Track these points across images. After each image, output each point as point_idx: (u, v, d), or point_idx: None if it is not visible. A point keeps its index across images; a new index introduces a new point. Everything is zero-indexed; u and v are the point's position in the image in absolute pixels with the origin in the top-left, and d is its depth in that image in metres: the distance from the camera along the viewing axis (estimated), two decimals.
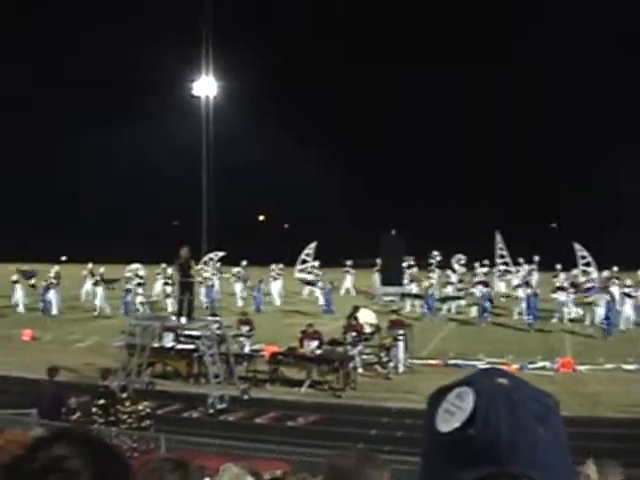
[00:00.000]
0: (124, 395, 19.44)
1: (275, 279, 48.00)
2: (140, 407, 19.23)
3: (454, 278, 46.21)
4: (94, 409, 18.77)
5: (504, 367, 27.11)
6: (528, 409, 1.56)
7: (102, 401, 18.79)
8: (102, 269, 45.63)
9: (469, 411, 1.54)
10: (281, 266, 49.17)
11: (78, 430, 2.00)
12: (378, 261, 50.55)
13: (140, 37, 76.60)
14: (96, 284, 44.03)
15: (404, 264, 49.40)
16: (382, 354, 28.00)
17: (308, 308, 43.68)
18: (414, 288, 45.14)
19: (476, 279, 44.81)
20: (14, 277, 45.76)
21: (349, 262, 52.83)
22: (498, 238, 50.49)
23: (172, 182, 75.35)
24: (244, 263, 49.03)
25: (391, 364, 27.76)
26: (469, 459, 1.51)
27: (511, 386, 1.59)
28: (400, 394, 24.63)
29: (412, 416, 21.49)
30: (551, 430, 1.57)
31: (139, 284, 44.13)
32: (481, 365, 27.97)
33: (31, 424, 15.96)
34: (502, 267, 50.11)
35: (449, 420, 1.56)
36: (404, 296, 44.39)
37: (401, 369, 27.91)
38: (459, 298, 43.59)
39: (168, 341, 26.77)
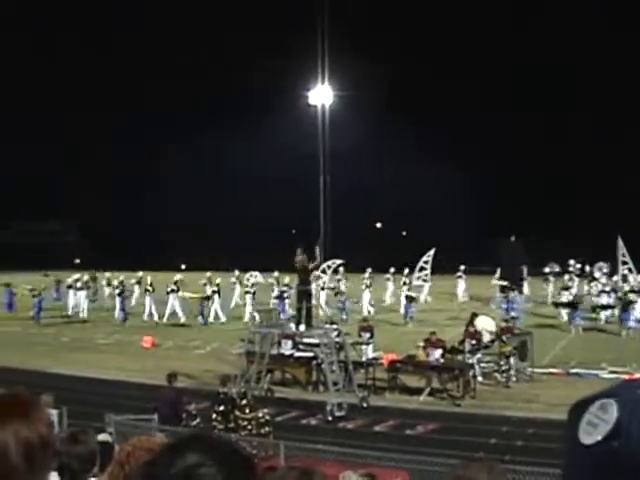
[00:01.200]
0: (244, 402, 19.60)
1: (367, 287, 47.97)
2: (259, 414, 19.37)
3: (608, 287, 44.95)
4: (214, 415, 19.02)
5: (627, 376, 26.61)
6: None
7: (222, 407, 19.02)
8: (179, 276, 46.59)
9: (612, 423, 1.49)
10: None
11: (208, 435, 2.02)
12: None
13: (256, 47, 77.67)
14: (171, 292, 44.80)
15: (546, 269, 49.11)
16: (501, 362, 27.65)
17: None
18: (565, 296, 44.14)
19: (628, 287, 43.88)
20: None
21: (462, 268, 52.90)
22: (620, 243, 49.42)
23: (290, 190, 76.00)
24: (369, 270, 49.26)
25: (512, 372, 27.39)
26: (614, 472, 1.47)
27: None
28: (520, 403, 24.29)
29: (532, 425, 21.22)
30: None
31: (213, 291, 44.77)
32: (604, 374, 27.48)
33: (152, 429, 16.24)
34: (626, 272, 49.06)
35: (592, 432, 1.52)
36: (556, 305, 43.72)
37: (513, 378, 27.42)
38: (613, 307, 42.69)
39: (287, 349, 26.90)
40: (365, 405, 24.12)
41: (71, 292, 48.16)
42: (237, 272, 48.31)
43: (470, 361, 26.67)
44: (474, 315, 29.76)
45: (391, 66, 76.85)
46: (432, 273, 53.64)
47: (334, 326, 28.16)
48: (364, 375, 26.27)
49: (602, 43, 73.33)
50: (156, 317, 43.97)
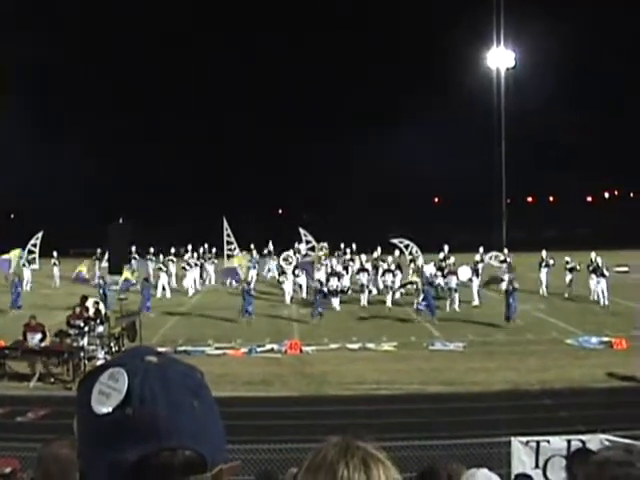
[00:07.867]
0: None
1: None
2: None
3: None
4: None
5: (232, 352, 27.91)
6: (181, 384, 1.67)
7: None
8: None
9: (124, 391, 1.61)
10: None
11: None
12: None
13: None
14: None
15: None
16: (112, 343, 27.93)
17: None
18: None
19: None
20: None
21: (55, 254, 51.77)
22: (225, 224, 51.14)
23: None
24: None
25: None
26: (130, 439, 1.59)
27: (162, 363, 1.70)
28: None
29: None
30: (204, 402, 1.69)
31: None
32: (210, 350, 28.54)
33: None
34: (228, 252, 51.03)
35: (105, 402, 1.61)
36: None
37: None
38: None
39: None
40: None
41: None
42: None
43: (78, 344, 26.52)
44: (84, 298, 29.82)
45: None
46: (40, 257, 52.65)
47: None
48: None
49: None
50: None
